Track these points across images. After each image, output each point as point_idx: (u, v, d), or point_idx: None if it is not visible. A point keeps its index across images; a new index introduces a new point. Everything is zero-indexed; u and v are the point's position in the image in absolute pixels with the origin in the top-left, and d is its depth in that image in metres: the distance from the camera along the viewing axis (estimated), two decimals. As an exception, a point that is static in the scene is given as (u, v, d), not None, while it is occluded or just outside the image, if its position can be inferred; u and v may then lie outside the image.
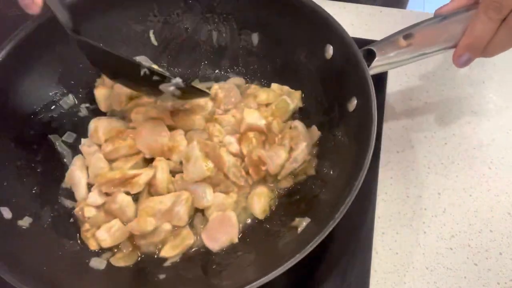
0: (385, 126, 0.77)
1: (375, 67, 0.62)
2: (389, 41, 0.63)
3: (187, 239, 0.62)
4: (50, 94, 0.70)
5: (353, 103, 0.62)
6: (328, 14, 0.65)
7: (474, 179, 0.71)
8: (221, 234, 0.62)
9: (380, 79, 0.81)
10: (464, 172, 0.72)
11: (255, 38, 0.76)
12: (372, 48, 0.62)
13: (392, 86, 0.82)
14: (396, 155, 0.74)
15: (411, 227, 0.67)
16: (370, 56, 0.62)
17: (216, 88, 0.73)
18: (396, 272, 0.63)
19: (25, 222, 0.60)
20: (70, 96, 0.72)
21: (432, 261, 0.64)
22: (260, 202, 0.64)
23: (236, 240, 0.62)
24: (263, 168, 0.64)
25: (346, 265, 0.63)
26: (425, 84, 0.82)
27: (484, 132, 0.76)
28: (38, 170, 0.66)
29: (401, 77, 0.83)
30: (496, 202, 0.69)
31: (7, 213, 0.58)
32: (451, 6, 0.62)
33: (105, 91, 0.72)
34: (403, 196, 0.70)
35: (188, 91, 0.63)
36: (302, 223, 0.57)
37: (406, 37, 0.62)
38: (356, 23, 0.91)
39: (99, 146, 0.68)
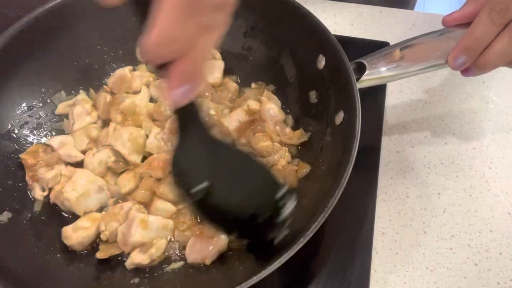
0: (385, 126, 0.77)
1: (364, 81, 0.61)
2: (381, 55, 0.61)
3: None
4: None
5: (340, 116, 0.61)
6: (324, 26, 0.64)
7: (474, 179, 0.71)
8: (200, 250, 0.60)
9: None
10: (464, 172, 0.72)
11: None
12: (363, 61, 0.61)
13: (392, 86, 0.82)
14: (396, 155, 0.74)
15: (411, 227, 0.67)
16: (360, 69, 0.61)
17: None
18: (396, 272, 0.63)
19: (3, 217, 0.59)
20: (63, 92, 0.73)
21: (432, 261, 0.64)
22: None
23: (209, 263, 0.59)
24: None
25: (346, 265, 0.63)
26: (425, 84, 0.82)
27: (484, 132, 0.76)
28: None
29: (401, 77, 0.83)
30: (496, 202, 0.69)
31: None
32: (460, 13, 0.59)
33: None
34: (403, 196, 0.70)
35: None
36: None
37: (399, 52, 0.60)
38: (356, 23, 0.91)
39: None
